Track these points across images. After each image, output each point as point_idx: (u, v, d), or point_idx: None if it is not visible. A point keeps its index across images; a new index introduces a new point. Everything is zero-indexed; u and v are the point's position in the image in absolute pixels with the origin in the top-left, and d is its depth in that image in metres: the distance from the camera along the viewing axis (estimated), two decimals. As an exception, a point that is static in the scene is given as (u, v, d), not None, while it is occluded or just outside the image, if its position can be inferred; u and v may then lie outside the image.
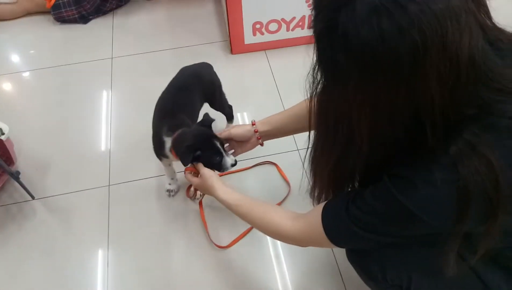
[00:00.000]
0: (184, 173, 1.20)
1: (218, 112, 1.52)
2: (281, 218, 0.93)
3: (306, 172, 0.83)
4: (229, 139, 1.23)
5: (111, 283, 1.26)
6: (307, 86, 0.68)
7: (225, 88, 1.49)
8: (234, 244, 1.31)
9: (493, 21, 0.61)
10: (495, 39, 0.60)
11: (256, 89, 1.77)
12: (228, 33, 1.89)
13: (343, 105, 0.62)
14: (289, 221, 0.90)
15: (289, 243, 0.96)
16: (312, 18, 0.60)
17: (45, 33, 2.14)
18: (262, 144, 1.24)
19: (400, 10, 0.51)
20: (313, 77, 0.65)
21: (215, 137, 1.16)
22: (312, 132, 0.76)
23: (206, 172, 1.10)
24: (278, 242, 1.31)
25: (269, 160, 1.51)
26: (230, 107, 1.56)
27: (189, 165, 1.15)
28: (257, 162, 1.52)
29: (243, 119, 1.68)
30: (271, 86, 1.76)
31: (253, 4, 1.75)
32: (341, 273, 1.24)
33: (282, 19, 1.81)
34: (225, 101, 1.52)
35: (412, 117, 0.59)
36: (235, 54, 1.94)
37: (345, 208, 0.73)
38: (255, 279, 1.25)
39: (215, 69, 1.46)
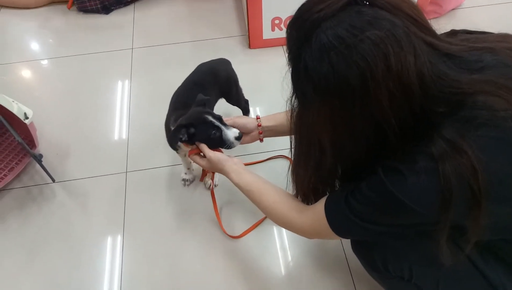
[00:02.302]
0: (189, 155, 1.19)
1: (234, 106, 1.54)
2: (289, 210, 0.97)
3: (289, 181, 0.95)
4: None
5: (125, 268, 1.30)
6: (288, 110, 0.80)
7: (241, 82, 1.52)
8: (246, 234, 1.34)
9: (439, 37, 0.70)
10: (446, 52, 0.69)
11: (271, 85, 1.79)
12: (247, 28, 1.91)
13: (311, 126, 0.74)
14: (296, 213, 0.95)
15: (296, 233, 0.99)
16: (287, 56, 0.74)
17: (68, 22, 2.19)
18: (262, 140, 1.25)
19: (343, 44, 0.62)
20: (291, 104, 0.78)
21: (209, 112, 1.13)
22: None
23: (213, 155, 1.10)
24: (290, 233, 1.34)
25: (283, 155, 1.54)
26: (247, 101, 1.58)
27: (190, 148, 1.15)
28: (270, 156, 1.54)
29: (256, 113, 1.70)
30: (286, 82, 1.77)
31: (273, 0, 1.76)
32: (349, 264, 1.26)
33: (301, 16, 1.82)
34: (242, 96, 1.54)
35: (375, 129, 0.67)
36: (253, 48, 1.97)
37: (345, 199, 0.79)
38: (265, 269, 1.28)
39: (232, 63, 1.48)
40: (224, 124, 1.14)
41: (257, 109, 1.72)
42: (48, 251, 1.35)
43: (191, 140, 1.13)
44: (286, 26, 0.74)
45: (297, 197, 0.97)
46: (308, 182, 0.87)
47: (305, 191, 0.91)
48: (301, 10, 0.70)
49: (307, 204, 0.94)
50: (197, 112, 1.14)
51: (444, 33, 0.80)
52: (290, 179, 0.95)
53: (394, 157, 0.70)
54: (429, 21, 0.70)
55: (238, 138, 1.13)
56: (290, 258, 1.30)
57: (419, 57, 0.63)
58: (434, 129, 0.67)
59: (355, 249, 0.99)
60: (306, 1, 0.70)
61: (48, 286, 1.27)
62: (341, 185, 0.86)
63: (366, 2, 0.64)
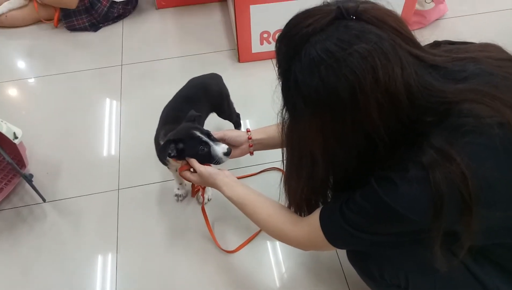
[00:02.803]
0: (179, 173, 1.19)
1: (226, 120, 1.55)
2: (283, 222, 0.97)
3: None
4: (221, 140, 1.23)
5: (119, 286, 1.28)
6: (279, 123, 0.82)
7: (232, 96, 1.52)
8: (241, 248, 1.33)
9: (424, 49, 0.73)
10: (431, 63, 0.71)
11: (262, 98, 1.80)
12: (236, 42, 1.93)
13: (302, 138, 0.75)
14: (291, 226, 0.95)
15: (292, 246, 1.00)
16: (277, 70, 0.76)
17: (56, 41, 2.19)
18: (252, 153, 1.26)
19: (332, 57, 0.63)
20: (282, 116, 0.79)
21: (198, 128, 1.13)
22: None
23: (203, 170, 1.10)
24: (284, 246, 1.33)
25: (275, 167, 1.54)
26: (238, 115, 1.59)
27: (180, 163, 1.15)
28: (263, 168, 1.54)
29: (250, 123, 1.71)
30: (276, 95, 1.79)
31: (261, 14, 1.79)
32: (344, 273, 1.26)
33: (289, 29, 1.85)
34: (233, 110, 1.55)
35: (365, 139, 0.69)
36: (242, 62, 1.98)
37: (339, 209, 0.79)
38: (260, 282, 1.27)
39: (223, 77, 1.49)
40: (213, 140, 1.13)
41: (248, 122, 1.73)
42: (40, 272, 1.32)
43: (180, 156, 1.13)
44: (275, 40, 0.75)
45: (290, 209, 0.97)
46: (300, 193, 0.87)
47: (298, 202, 0.92)
48: (290, 25, 0.71)
49: (301, 215, 0.95)
50: (186, 128, 1.15)
51: (428, 44, 0.82)
52: (282, 190, 0.95)
53: (386, 166, 0.71)
54: (413, 32, 0.72)
55: (226, 154, 1.13)
56: (284, 270, 1.29)
57: (405, 69, 0.65)
58: (423, 138, 0.68)
59: (351, 259, 0.99)
60: (294, 16, 0.72)
61: (40, 309, 1.25)
62: (334, 195, 0.87)
63: (353, 16, 0.66)
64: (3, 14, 2.19)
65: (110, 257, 1.35)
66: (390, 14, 0.68)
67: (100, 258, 1.36)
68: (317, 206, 0.88)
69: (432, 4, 2.05)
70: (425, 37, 0.78)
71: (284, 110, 0.78)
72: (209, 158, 1.13)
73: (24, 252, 1.37)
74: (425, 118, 0.69)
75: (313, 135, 0.72)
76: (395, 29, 0.66)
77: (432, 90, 0.68)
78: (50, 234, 1.42)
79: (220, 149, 1.12)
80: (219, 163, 1.14)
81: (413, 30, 0.72)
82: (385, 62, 0.63)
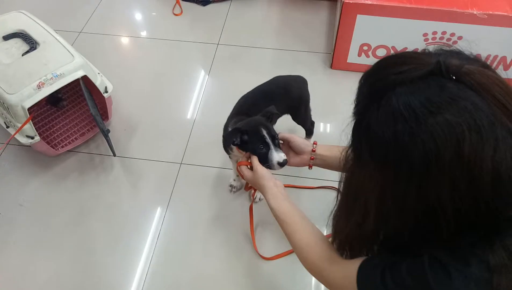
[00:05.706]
0: (237, 165, 1.18)
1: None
2: (320, 257, 0.92)
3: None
4: (285, 141, 1.20)
5: (157, 250, 1.35)
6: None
7: (315, 101, 1.48)
8: (277, 258, 1.31)
9: None
10: None
11: (344, 111, 1.70)
12: (333, 47, 1.86)
13: (360, 185, 0.69)
14: (327, 264, 0.89)
15: (320, 282, 0.94)
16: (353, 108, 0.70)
17: (166, 7, 2.30)
18: (311, 167, 1.20)
19: (413, 116, 0.55)
20: (346, 154, 0.73)
21: (267, 126, 1.11)
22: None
23: (259, 169, 1.08)
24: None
25: (335, 187, 1.47)
26: (312, 123, 1.54)
27: (242, 156, 1.15)
28: (322, 185, 1.49)
29: (324, 134, 1.66)
30: (346, 132, 1.70)
31: (367, 25, 1.70)
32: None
33: (393, 47, 1.73)
34: (309, 117, 1.50)
35: (426, 212, 0.60)
36: (334, 69, 1.91)
37: (381, 274, 0.71)
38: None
39: (310, 80, 1.44)
40: (276, 144, 1.11)
41: (322, 132, 1.67)
42: (95, 218, 1.44)
43: (242, 147, 1.13)
44: (362, 75, 0.68)
45: (333, 244, 0.91)
46: (346, 236, 0.82)
47: (342, 242, 0.86)
48: (379, 66, 0.64)
49: (341, 255, 0.89)
50: (256, 122, 1.14)
51: None
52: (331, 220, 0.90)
53: (443, 247, 0.62)
54: None
55: (281, 164, 1.10)
56: (314, 296, 1.25)
57: (499, 152, 0.54)
58: (497, 235, 0.58)
59: None
60: (387, 57, 0.64)
61: (85, 249, 1.37)
62: (380, 251, 0.79)
63: (453, 76, 0.56)
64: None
65: (156, 223, 1.42)
66: (499, 83, 0.57)
67: (147, 221, 1.43)
68: (360, 255, 0.82)
69: None
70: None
71: (350, 150, 0.71)
72: (263, 160, 1.11)
73: (85, 196, 1.50)
74: (507, 212, 0.58)
75: (371, 188, 0.65)
76: (500, 102, 0.55)
77: None
78: (111, 186, 1.53)
79: (276, 156, 1.10)
80: (271, 169, 1.11)
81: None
82: (476, 138, 0.53)
